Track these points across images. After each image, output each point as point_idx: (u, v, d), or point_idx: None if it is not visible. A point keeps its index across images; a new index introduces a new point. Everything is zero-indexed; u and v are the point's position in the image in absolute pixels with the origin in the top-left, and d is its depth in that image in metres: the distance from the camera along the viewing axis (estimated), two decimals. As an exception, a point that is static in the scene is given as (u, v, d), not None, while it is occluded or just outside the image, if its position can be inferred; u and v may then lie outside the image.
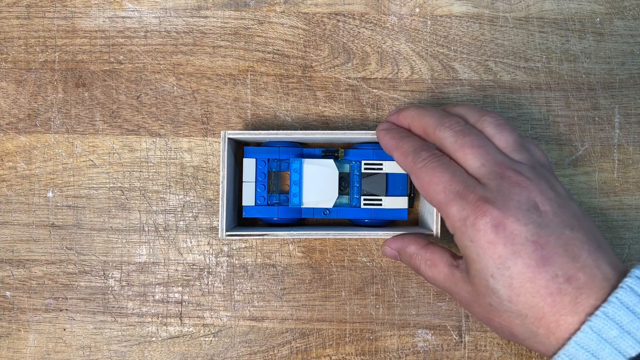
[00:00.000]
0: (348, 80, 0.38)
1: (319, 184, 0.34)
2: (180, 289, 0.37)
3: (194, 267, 0.37)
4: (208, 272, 0.37)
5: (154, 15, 0.38)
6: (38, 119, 0.38)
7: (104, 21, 0.38)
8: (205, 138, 0.37)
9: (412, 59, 0.38)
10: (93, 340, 0.37)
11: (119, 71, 0.38)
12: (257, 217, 0.36)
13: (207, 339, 0.37)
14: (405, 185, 0.36)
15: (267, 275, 0.37)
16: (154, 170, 0.37)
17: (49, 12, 0.38)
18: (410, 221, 0.38)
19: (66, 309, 0.37)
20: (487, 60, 0.38)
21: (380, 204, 0.35)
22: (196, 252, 0.37)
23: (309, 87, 0.38)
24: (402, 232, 0.34)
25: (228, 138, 0.33)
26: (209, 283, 0.37)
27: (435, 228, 0.33)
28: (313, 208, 0.36)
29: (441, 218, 0.33)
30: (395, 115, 0.33)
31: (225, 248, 0.37)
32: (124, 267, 0.37)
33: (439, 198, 0.28)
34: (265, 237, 0.33)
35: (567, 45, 0.38)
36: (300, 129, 0.37)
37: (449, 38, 0.38)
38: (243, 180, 0.35)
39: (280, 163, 0.36)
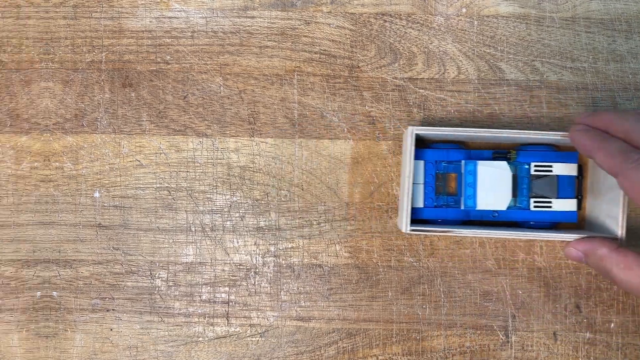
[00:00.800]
0: (395, 80, 0.38)
1: (492, 186, 0.35)
2: (227, 289, 0.37)
3: (241, 267, 0.37)
4: (255, 272, 0.37)
5: (200, 15, 0.38)
6: (85, 119, 0.38)
7: (150, 21, 0.38)
8: (252, 138, 0.37)
9: (458, 59, 0.38)
10: (140, 341, 0.37)
11: (165, 71, 0.38)
12: (425, 219, 0.36)
13: (253, 339, 0.37)
14: (573, 187, 0.35)
15: (313, 276, 0.37)
16: (201, 171, 0.37)
17: (96, 12, 0.38)
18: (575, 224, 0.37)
19: (113, 309, 0.37)
20: (533, 60, 0.38)
21: (550, 206, 0.35)
22: (243, 252, 0.37)
23: (355, 87, 0.38)
24: (587, 235, 0.33)
25: (415, 133, 0.33)
26: (256, 283, 0.37)
27: (621, 232, 0.33)
28: (482, 210, 0.36)
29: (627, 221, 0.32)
30: (590, 117, 0.32)
31: (272, 248, 0.37)
32: (170, 267, 0.37)
33: None
34: (447, 234, 0.33)
35: (613, 45, 0.37)
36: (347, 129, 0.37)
37: (496, 38, 0.38)
38: (413, 182, 0.35)
39: (448, 165, 0.36)
